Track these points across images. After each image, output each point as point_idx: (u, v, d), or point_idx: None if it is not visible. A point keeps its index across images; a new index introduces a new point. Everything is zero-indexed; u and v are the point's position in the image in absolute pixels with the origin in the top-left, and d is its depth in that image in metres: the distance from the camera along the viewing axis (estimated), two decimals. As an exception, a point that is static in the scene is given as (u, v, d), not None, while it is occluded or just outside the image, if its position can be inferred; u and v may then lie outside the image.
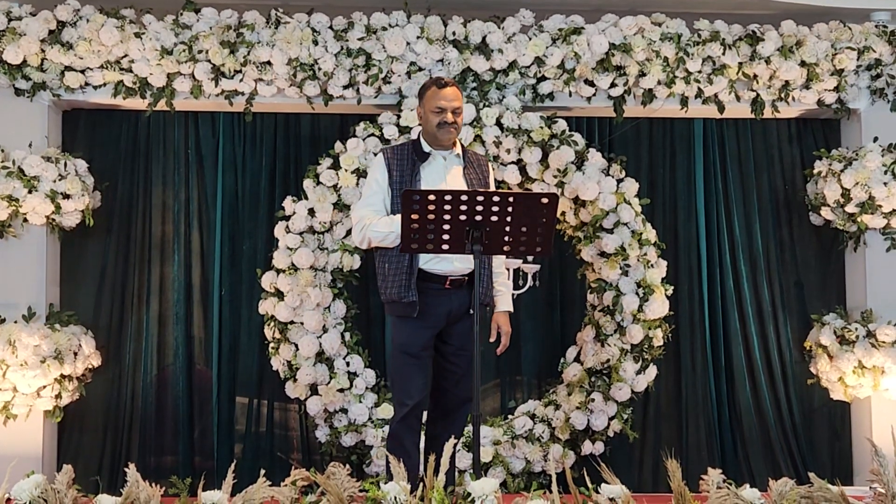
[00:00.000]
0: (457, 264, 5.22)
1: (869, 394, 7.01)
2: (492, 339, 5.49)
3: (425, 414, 5.55)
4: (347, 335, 6.86)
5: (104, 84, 6.86)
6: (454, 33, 6.89)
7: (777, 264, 7.53)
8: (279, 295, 6.77)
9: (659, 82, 6.99)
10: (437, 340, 5.38)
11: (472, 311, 5.16)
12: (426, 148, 5.41)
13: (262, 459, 7.09)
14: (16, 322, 6.66)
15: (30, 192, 6.60)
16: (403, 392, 5.34)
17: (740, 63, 7.00)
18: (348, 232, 6.84)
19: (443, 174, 5.36)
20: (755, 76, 7.05)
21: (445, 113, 5.32)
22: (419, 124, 6.46)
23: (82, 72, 6.80)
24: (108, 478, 7.02)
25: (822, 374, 7.14)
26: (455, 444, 4.46)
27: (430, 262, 5.22)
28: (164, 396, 7.24)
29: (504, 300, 5.55)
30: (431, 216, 4.66)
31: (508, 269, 6.02)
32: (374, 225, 5.26)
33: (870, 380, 6.91)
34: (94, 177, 6.99)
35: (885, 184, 6.90)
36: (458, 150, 5.46)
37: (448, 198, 4.63)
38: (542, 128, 6.86)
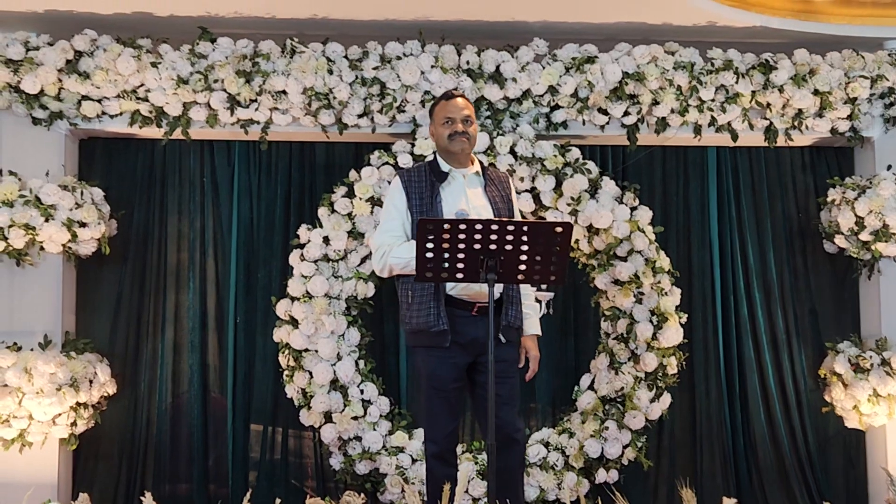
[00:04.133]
0: (485, 289, 5.03)
1: (884, 422, 6.99)
2: (520, 365, 5.38)
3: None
4: (362, 363, 6.86)
5: (121, 113, 6.90)
6: (468, 62, 6.92)
7: (791, 292, 7.52)
8: (294, 323, 6.78)
9: (672, 111, 7.01)
10: (472, 372, 5.26)
11: (500, 338, 5.16)
12: (444, 167, 5.32)
13: (277, 487, 7.10)
14: (32, 350, 6.68)
15: (46, 220, 6.63)
16: (431, 429, 5.26)
17: (753, 91, 7.01)
18: (363, 260, 6.86)
19: (463, 193, 5.28)
20: (768, 104, 7.07)
21: (455, 123, 5.27)
22: (429, 141, 6.50)
23: (99, 101, 6.85)
24: (123, 505, 7.05)
25: (836, 403, 7.12)
26: (469, 474, 4.43)
27: (457, 288, 5.13)
28: (179, 424, 7.24)
29: (532, 323, 5.44)
30: (446, 245, 4.65)
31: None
32: (395, 251, 5.18)
33: (885, 408, 6.89)
34: (110, 205, 7.03)
35: (899, 212, 6.91)
36: (477, 167, 5.38)
37: (463, 227, 4.62)
38: (555, 156, 6.88)
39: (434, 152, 5.45)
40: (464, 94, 5.42)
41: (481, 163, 5.45)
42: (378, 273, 5.36)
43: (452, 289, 5.14)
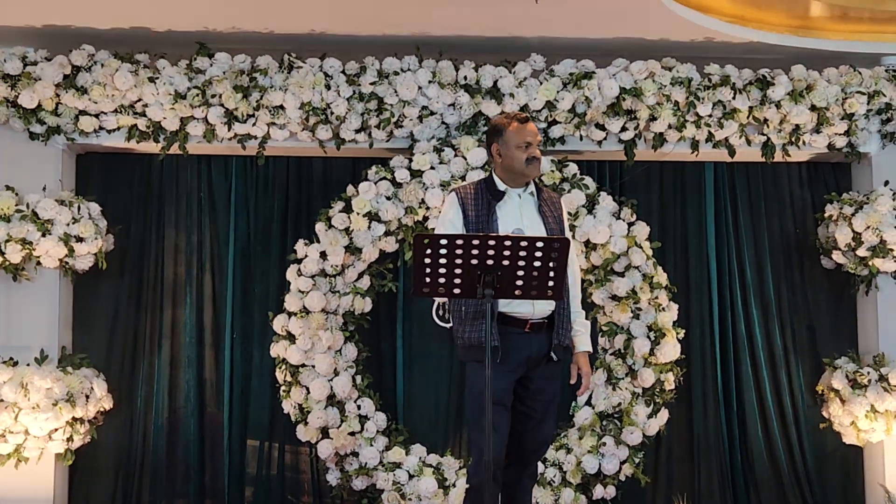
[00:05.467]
0: (537, 307, 5.07)
1: (882, 438, 6.98)
2: (572, 381, 5.34)
3: None
4: (359, 378, 6.86)
5: (118, 128, 6.91)
6: (466, 77, 6.92)
7: (789, 308, 7.52)
8: (291, 338, 6.77)
9: (669, 126, 7.01)
10: (517, 385, 5.19)
11: (553, 356, 5.15)
12: (501, 186, 5.27)
13: (273, 503, 7.08)
14: (28, 365, 6.67)
15: (43, 235, 6.62)
16: (485, 443, 5.11)
17: (751, 107, 7.02)
18: (360, 275, 6.86)
19: (518, 212, 5.23)
20: (766, 120, 7.07)
21: (532, 147, 5.21)
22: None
23: (96, 116, 6.86)
24: (118, 521, 7.03)
25: (834, 419, 7.11)
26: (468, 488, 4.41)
27: (511, 305, 5.03)
28: (175, 439, 7.23)
29: (583, 340, 5.36)
30: (443, 260, 4.64)
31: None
32: None
33: (882, 424, 6.88)
34: (107, 220, 7.02)
35: (896, 227, 6.91)
36: (532, 187, 5.33)
37: (459, 242, 4.60)
38: (553, 171, 6.88)
39: (490, 170, 5.41)
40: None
41: (535, 183, 5.42)
42: None
43: (506, 306, 5.06)
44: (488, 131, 5.40)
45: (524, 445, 5.24)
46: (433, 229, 5.64)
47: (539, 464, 6.67)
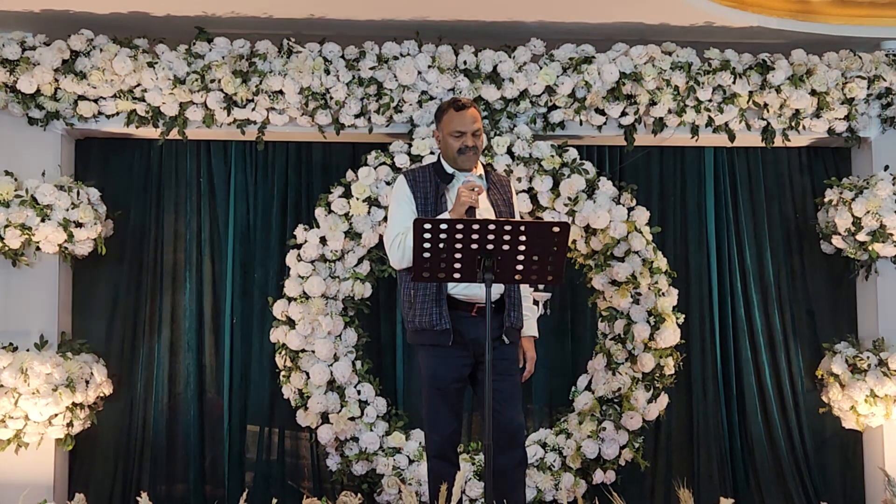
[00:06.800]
0: (484, 290, 5.10)
1: (881, 423, 6.98)
2: (519, 365, 5.40)
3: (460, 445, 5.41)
4: (359, 363, 6.85)
5: (117, 113, 6.89)
6: (465, 62, 6.91)
7: (788, 293, 7.51)
8: (290, 323, 6.77)
9: (669, 111, 7.00)
10: (475, 370, 5.26)
11: (504, 339, 5.19)
12: (449, 169, 5.33)
13: (274, 488, 7.09)
14: (28, 350, 6.67)
15: (42, 220, 6.61)
16: (432, 428, 5.28)
17: (751, 92, 7.01)
18: (360, 260, 6.85)
19: None
20: (765, 105, 7.06)
21: (465, 136, 5.24)
22: (438, 147, 6.50)
23: (95, 101, 6.84)
24: (119, 506, 7.03)
25: (833, 403, 7.12)
26: (467, 475, 4.41)
27: (458, 288, 5.13)
28: (175, 425, 7.23)
29: (529, 325, 5.46)
30: (443, 245, 4.64)
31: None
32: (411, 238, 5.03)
33: (882, 409, 6.89)
34: (106, 205, 7.01)
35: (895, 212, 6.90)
36: (481, 170, 5.37)
37: (459, 227, 4.61)
38: (552, 156, 6.87)
39: (438, 155, 5.44)
40: (474, 103, 5.37)
41: (484, 166, 5.44)
42: (398, 265, 5.30)
43: (453, 289, 5.15)
44: (435, 114, 5.44)
45: (503, 427, 5.21)
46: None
47: (540, 448, 6.74)
